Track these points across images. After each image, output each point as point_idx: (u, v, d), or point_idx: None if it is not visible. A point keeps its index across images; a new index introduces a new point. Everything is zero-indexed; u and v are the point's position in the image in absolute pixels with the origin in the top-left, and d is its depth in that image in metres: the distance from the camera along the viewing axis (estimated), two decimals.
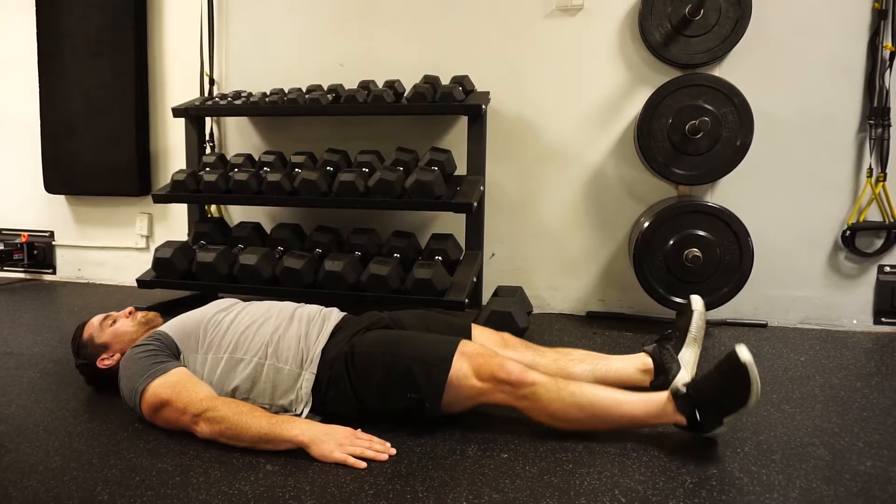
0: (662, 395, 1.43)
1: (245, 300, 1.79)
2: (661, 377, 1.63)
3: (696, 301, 1.76)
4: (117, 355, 1.68)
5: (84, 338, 1.74)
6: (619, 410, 1.44)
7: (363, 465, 1.33)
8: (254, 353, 1.55)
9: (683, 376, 1.60)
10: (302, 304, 1.72)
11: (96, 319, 1.77)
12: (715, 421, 1.38)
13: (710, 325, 2.08)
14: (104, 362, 1.70)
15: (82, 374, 1.78)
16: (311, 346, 1.55)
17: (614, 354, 1.74)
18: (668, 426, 1.46)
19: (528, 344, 1.75)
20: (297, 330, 1.59)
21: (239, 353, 1.55)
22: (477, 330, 1.75)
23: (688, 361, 1.65)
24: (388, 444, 1.40)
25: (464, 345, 1.50)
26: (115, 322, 1.75)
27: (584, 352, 1.73)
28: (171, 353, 1.55)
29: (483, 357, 1.47)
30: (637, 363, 1.68)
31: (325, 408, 1.53)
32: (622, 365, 1.69)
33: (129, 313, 1.78)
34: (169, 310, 2.19)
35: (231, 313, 1.65)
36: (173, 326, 1.63)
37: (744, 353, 1.35)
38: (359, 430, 1.43)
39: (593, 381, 1.58)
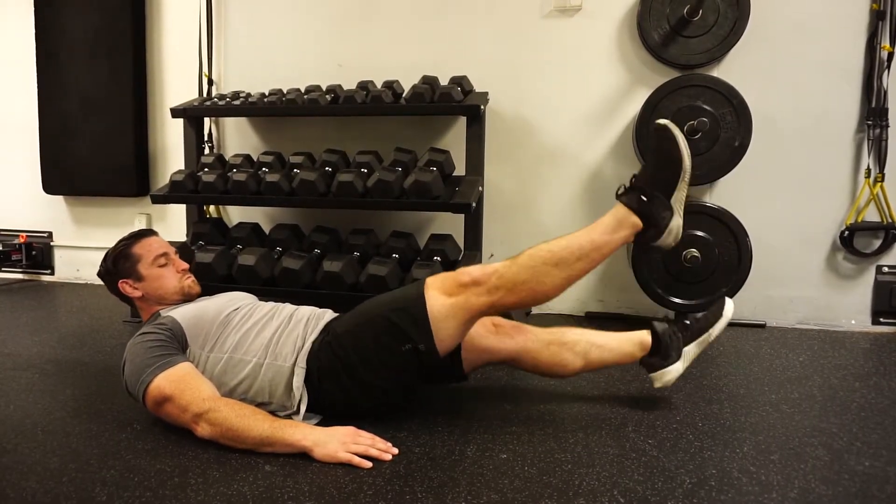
0: (615, 208, 1.51)
1: None
2: (655, 357, 1.64)
3: (730, 308, 1.70)
4: (139, 293, 1.70)
5: (133, 251, 1.73)
6: (579, 241, 1.48)
7: (368, 464, 1.33)
8: (253, 354, 1.55)
9: (677, 368, 1.62)
10: (299, 306, 1.72)
11: (155, 247, 1.75)
12: (663, 204, 1.47)
13: None
14: (125, 287, 1.71)
15: (100, 278, 1.77)
16: (305, 343, 1.55)
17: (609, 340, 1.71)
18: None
19: (519, 326, 1.72)
20: (293, 330, 1.59)
21: (239, 354, 1.55)
22: None
23: (689, 357, 1.65)
24: (390, 444, 1.40)
25: (429, 279, 1.51)
26: (165, 265, 1.73)
27: (577, 334, 1.70)
28: (178, 345, 1.54)
29: (444, 276, 1.50)
30: (634, 341, 1.67)
31: (322, 403, 1.53)
32: (617, 346, 1.68)
33: (183, 271, 1.76)
34: None
35: (240, 313, 1.64)
36: (187, 317, 1.59)
37: (661, 119, 1.50)
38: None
39: (583, 366, 1.66)
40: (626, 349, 1.67)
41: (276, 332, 1.58)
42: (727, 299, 1.72)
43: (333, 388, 1.51)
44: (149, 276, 1.71)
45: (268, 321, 1.62)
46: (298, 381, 1.51)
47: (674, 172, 1.50)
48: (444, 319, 1.45)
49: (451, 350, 1.51)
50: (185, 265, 1.79)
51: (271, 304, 1.73)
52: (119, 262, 1.72)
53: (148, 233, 1.82)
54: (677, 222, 1.51)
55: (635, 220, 1.49)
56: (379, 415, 1.55)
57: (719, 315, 1.68)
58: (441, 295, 1.46)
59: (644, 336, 1.67)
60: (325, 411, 1.54)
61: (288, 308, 1.69)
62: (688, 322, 1.69)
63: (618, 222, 1.49)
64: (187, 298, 1.74)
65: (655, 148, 1.53)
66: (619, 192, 1.53)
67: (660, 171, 1.51)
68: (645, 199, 1.48)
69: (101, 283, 1.78)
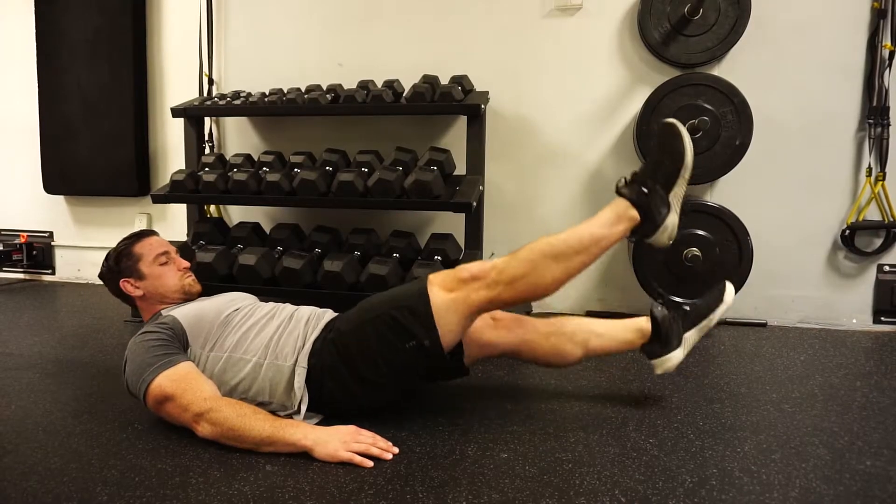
0: (614, 202, 1.51)
1: None
2: (655, 344, 1.62)
3: (730, 292, 1.69)
4: (141, 291, 1.70)
5: (134, 250, 1.74)
6: (579, 234, 1.48)
7: (369, 463, 1.33)
8: (253, 354, 1.55)
9: (678, 355, 1.61)
10: (299, 306, 1.72)
11: (156, 245, 1.76)
12: (662, 199, 1.48)
13: None
14: (127, 286, 1.71)
15: (101, 279, 1.77)
16: (305, 343, 1.55)
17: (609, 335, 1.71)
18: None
19: (518, 318, 1.71)
20: (294, 330, 1.59)
21: (238, 353, 1.55)
22: None
23: (689, 343, 1.64)
24: (391, 443, 1.40)
25: (431, 276, 1.50)
26: (166, 264, 1.74)
27: (576, 324, 1.70)
28: (180, 344, 1.54)
29: (444, 272, 1.50)
30: (634, 329, 1.67)
31: (324, 402, 1.53)
32: (616, 335, 1.68)
33: (184, 269, 1.77)
34: None
35: (240, 313, 1.64)
36: (188, 317, 1.59)
37: (669, 118, 1.52)
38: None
39: (583, 356, 1.67)
40: (625, 337, 1.67)
41: (277, 332, 1.58)
42: (727, 284, 1.70)
43: (334, 385, 1.51)
44: (150, 275, 1.71)
45: (268, 321, 1.62)
46: (300, 381, 1.50)
47: (675, 166, 1.50)
48: (445, 314, 1.45)
49: (453, 345, 1.50)
50: (186, 264, 1.79)
51: (271, 304, 1.73)
52: (121, 261, 1.73)
53: (148, 233, 1.83)
54: (673, 220, 1.51)
55: (634, 214, 1.49)
56: (378, 413, 1.54)
57: (720, 300, 1.67)
58: (441, 290, 1.46)
59: (643, 323, 1.66)
60: (326, 410, 1.54)
61: (288, 308, 1.69)
62: (687, 308, 1.67)
63: (616, 216, 1.50)
64: (188, 297, 1.74)
65: (659, 143, 1.54)
66: (620, 185, 1.53)
67: (661, 164, 1.51)
68: (645, 191, 1.48)
69: (103, 283, 1.77)
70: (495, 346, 1.67)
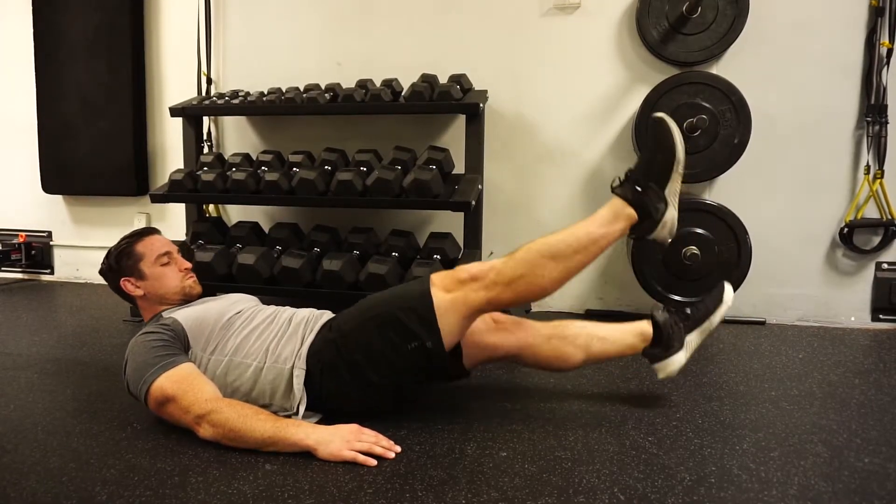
0: (611, 201, 1.52)
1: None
2: (657, 348, 1.62)
3: (729, 292, 1.70)
4: (141, 291, 1.69)
5: (135, 249, 1.72)
6: (576, 234, 1.48)
7: (373, 462, 1.32)
8: (254, 358, 1.54)
9: (680, 358, 1.61)
10: (298, 308, 1.72)
11: (158, 245, 1.74)
12: (657, 195, 1.48)
13: None
14: (127, 286, 1.70)
15: (102, 276, 1.76)
16: (303, 345, 1.55)
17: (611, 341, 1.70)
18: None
19: (519, 321, 1.71)
20: (293, 334, 1.59)
21: (239, 357, 1.55)
22: None
23: (691, 346, 1.64)
24: (393, 442, 1.40)
25: (432, 276, 1.50)
26: (167, 264, 1.72)
27: (578, 327, 1.69)
28: (181, 345, 1.53)
29: (444, 273, 1.50)
30: (636, 332, 1.67)
31: (323, 402, 1.52)
32: (618, 338, 1.67)
33: (185, 270, 1.75)
34: None
35: (242, 316, 1.64)
36: (189, 319, 1.58)
37: (658, 112, 1.51)
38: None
39: (585, 359, 1.66)
40: (627, 341, 1.67)
41: (276, 336, 1.58)
42: (726, 284, 1.70)
43: (334, 385, 1.51)
44: (151, 275, 1.70)
45: (268, 325, 1.62)
46: (298, 383, 1.50)
47: (667, 162, 1.50)
48: (444, 315, 1.44)
49: (453, 346, 1.50)
50: (188, 264, 1.78)
51: (272, 307, 1.72)
52: (122, 260, 1.71)
53: (151, 231, 1.81)
54: (672, 214, 1.51)
55: (630, 212, 1.49)
56: (377, 412, 1.54)
57: (719, 301, 1.67)
58: (441, 291, 1.46)
59: (645, 327, 1.66)
60: (326, 410, 1.53)
61: (288, 311, 1.69)
62: (688, 311, 1.67)
63: (614, 214, 1.50)
64: (188, 298, 1.73)
65: (650, 139, 1.53)
66: (615, 185, 1.54)
67: (654, 161, 1.51)
68: (639, 189, 1.48)
69: (102, 281, 1.77)
70: (496, 349, 1.67)
